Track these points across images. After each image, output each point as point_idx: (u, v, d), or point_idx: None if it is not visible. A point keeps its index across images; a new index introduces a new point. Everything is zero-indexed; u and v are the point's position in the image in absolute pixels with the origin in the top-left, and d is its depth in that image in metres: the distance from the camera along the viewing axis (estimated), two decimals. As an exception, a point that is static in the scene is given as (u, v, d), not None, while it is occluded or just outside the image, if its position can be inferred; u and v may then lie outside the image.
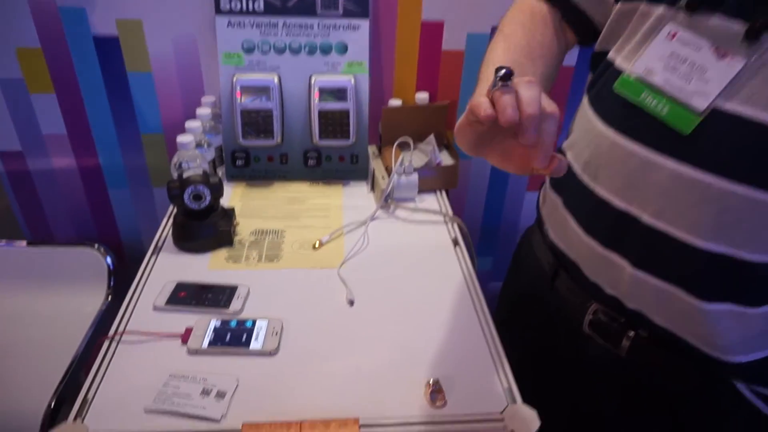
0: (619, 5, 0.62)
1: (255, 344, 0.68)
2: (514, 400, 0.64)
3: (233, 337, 0.69)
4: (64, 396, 0.79)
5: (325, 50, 1.00)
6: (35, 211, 1.21)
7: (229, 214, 0.89)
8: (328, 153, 1.05)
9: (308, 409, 0.61)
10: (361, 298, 0.77)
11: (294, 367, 0.66)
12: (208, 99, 1.07)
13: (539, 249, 0.78)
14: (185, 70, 1.10)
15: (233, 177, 1.06)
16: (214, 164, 1.01)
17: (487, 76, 0.65)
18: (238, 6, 0.97)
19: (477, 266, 0.95)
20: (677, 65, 0.52)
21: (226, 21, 0.98)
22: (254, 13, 0.98)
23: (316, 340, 0.70)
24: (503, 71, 0.45)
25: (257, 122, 1.00)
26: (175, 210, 0.89)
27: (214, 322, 0.71)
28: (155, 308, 0.74)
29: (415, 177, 1.00)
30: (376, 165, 1.06)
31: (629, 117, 0.56)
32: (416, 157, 1.05)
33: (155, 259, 0.84)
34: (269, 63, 0.99)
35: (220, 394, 0.62)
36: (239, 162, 1.04)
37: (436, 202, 1.03)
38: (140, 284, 0.78)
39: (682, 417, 0.64)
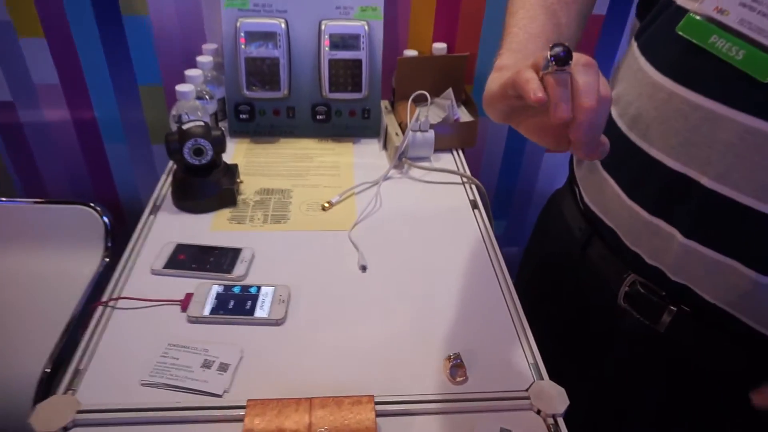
0: None
1: (260, 312, 0.63)
2: (540, 377, 0.59)
3: (237, 305, 0.64)
4: (60, 362, 0.75)
5: (336, -7, 0.92)
6: (28, 166, 1.15)
7: (233, 171, 0.83)
8: (338, 107, 0.98)
9: (318, 384, 0.56)
10: (374, 264, 0.72)
11: (302, 338, 0.61)
12: (209, 46, 0.99)
13: (570, 213, 0.71)
14: (185, 13, 1.01)
15: (237, 132, 0.99)
16: (216, 118, 0.94)
17: (514, 28, 0.59)
18: (241, -58, 0.89)
19: (494, 231, 0.89)
20: (755, 2, 0.44)
21: (228, -41, 0.90)
22: (258, -50, 0.89)
23: (326, 309, 0.65)
24: (560, 51, 0.39)
25: (263, 72, 0.92)
26: (175, 166, 0.83)
27: (216, 288, 0.66)
28: (153, 272, 0.69)
29: (431, 134, 0.93)
30: (389, 121, 0.99)
31: (692, 64, 0.49)
32: (433, 113, 0.98)
33: (153, 219, 0.78)
34: (276, 6, 0.91)
35: (223, 367, 0.57)
36: (243, 116, 0.97)
37: (452, 161, 0.96)
38: (137, 246, 0.73)
39: (723, 399, 0.59)
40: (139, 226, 0.77)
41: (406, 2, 1.04)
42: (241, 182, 0.84)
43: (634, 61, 0.57)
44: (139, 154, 1.16)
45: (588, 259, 0.67)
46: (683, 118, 0.50)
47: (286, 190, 0.86)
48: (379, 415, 0.52)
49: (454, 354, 0.59)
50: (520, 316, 0.65)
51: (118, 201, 1.20)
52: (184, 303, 0.64)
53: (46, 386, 0.73)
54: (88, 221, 1.00)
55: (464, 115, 1.02)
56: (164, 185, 0.85)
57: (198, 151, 0.76)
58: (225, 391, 0.55)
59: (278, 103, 0.96)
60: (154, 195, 0.83)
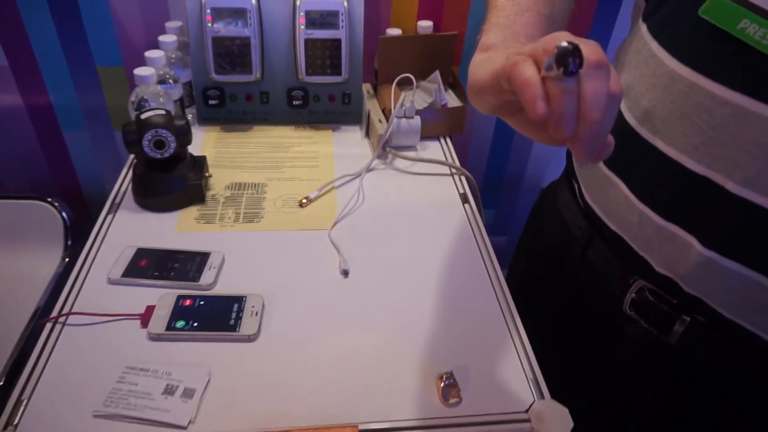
0: None
1: (230, 327, 0.57)
2: (541, 395, 0.54)
3: (204, 319, 0.57)
4: (11, 380, 0.68)
5: (312, -34, 0.84)
6: (-21, 157, 1.06)
7: (200, 164, 0.76)
8: (317, 92, 0.90)
9: (295, 411, 0.50)
10: (357, 267, 0.66)
11: (277, 356, 0.55)
12: (173, 24, 0.91)
13: (568, 210, 0.65)
14: (145, -12, 0.92)
15: (206, 119, 0.91)
16: (182, 104, 0.86)
17: (500, 2, 0.52)
18: None
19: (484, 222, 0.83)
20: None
21: (191, -74, 0.81)
22: None
23: (303, 322, 0.59)
24: (569, 54, 0.32)
25: (232, 53, 0.84)
26: (136, 159, 0.75)
27: (181, 299, 0.59)
28: (110, 281, 0.61)
29: (417, 121, 0.86)
30: (372, 106, 0.92)
31: (718, 53, 0.43)
32: (418, 97, 0.91)
33: (112, 219, 0.71)
34: (245, -20, 0.83)
35: (188, 393, 0.50)
36: (212, 101, 0.89)
37: (439, 150, 0.90)
38: (92, 251, 0.66)
39: (734, 403, 0.54)
40: (96, 227, 0.69)
41: (388, -24, 0.96)
42: (210, 176, 0.77)
43: (643, 45, 0.51)
44: (101, 143, 1.07)
45: (588, 261, 0.61)
46: (707, 114, 0.44)
47: (260, 185, 0.78)
48: (364, 448, 0.46)
49: (447, 373, 0.53)
50: (519, 327, 0.60)
51: (82, 195, 1.12)
52: (145, 317, 0.57)
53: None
54: (46, 218, 0.92)
55: (452, 100, 0.95)
56: (125, 180, 0.77)
57: (159, 143, 0.69)
58: (190, 422, 0.48)
59: (250, 87, 0.88)
60: (114, 191, 0.75)
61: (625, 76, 0.54)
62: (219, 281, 0.63)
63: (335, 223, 0.72)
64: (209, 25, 0.81)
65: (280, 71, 0.88)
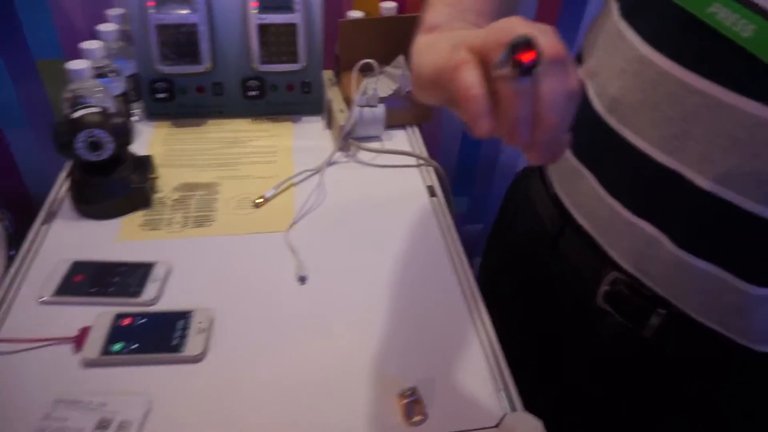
0: None
1: (174, 348, 0.52)
2: (513, 407, 0.50)
3: (145, 339, 0.52)
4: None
5: (262, -56, 0.77)
6: None
7: (145, 164, 0.70)
8: (274, 81, 0.84)
9: (244, 441, 0.45)
10: (315, 273, 0.61)
11: (227, 376, 0.50)
12: (115, 12, 0.84)
13: (539, 199, 0.61)
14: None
15: (154, 114, 0.84)
16: (125, 99, 0.79)
17: None
18: None
19: (456, 218, 0.79)
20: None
21: None
22: None
23: (255, 337, 0.54)
24: (524, 50, 0.27)
25: (178, 42, 0.77)
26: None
27: (120, 318, 0.54)
28: (41, 301, 0.56)
29: (381, 109, 0.80)
30: (333, 95, 0.86)
31: (690, 39, 0.38)
32: (382, 84, 0.85)
33: (47, 229, 0.65)
34: (188, -38, 0.76)
35: (124, 426, 0.46)
36: (160, 95, 0.82)
37: (406, 140, 0.85)
38: (23, 266, 0.60)
39: (713, 415, 0.51)
40: (28, 239, 0.63)
41: (348, -46, 0.90)
42: (156, 178, 0.71)
43: (612, 25, 0.46)
44: (47, 141, 1.00)
45: (561, 252, 0.58)
46: (678, 105, 0.39)
47: (212, 184, 0.73)
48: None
49: (409, 389, 0.49)
50: (488, 331, 0.56)
51: (29, 198, 1.05)
52: (79, 340, 0.52)
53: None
54: (-14, 224, 0.85)
55: (419, 86, 0.89)
56: (62, 186, 0.71)
57: (94, 145, 0.63)
58: (125, 460, 0.44)
59: (201, 78, 0.82)
60: (50, 198, 0.69)
61: (594, 59, 0.49)
62: (164, 295, 0.58)
63: (293, 224, 0.67)
64: (151, 11, 0.75)
65: (233, 60, 0.82)
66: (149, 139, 0.81)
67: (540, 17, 1.04)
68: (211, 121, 0.85)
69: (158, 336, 0.53)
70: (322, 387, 0.50)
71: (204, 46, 0.78)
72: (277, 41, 0.80)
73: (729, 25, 0.36)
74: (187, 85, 0.83)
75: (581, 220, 0.52)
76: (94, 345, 0.51)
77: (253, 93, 0.84)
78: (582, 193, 0.51)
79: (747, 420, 0.52)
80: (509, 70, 0.27)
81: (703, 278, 0.43)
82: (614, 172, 0.47)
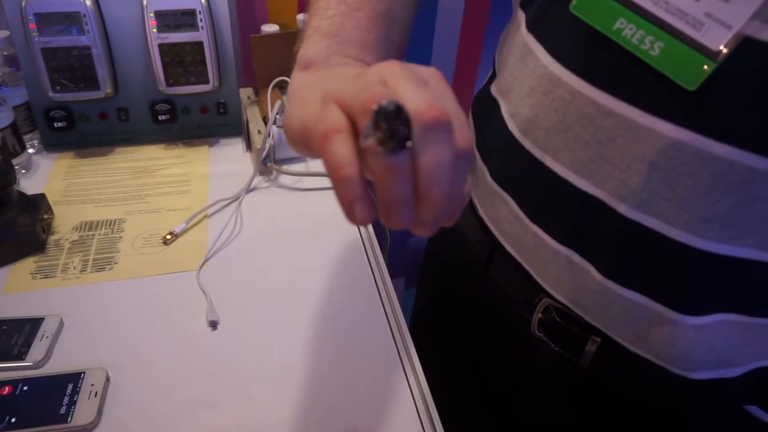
0: None
1: (61, 418, 0.45)
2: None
3: (26, 411, 0.46)
4: None
5: (159, -43, 0.71)
6: None
7: (35, 204, 0.63)
8: (184, 103, 0.79)
9: None
10: (229, 316, 0.56)
11: (122, 448, 0.45)
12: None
13: (467, 223, 0.58)
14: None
15: (54, 145, 0.77)
16: (15, 131, 0.72)
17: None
18: None
19: (388, 240, 0.75)
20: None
21: None
22: None
23: (157, 397, 0.48)
24: (392, 120, 0.22)
25: (71, 66, 0.71)
26: (-49, 206, 0.62)
27: (-3, 388, 0.47)
28: None
29: (302, 129, 0.76)
30: (252, 115, 0.81)
31: (599, 55, 0.36)
32: (303, 102, 0.81)
33: None
34: (76, -22, 0.69)
35: None
36: (58, 124, 0.75)
37: (333, 158, 0.80)
38: None
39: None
40: None
41: (260, -36, 0.85)
42: (49, 218, 0.64)
43: (520, 39, 0.43)
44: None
45: (491, 280, 0.54)
46: (591, 126, 0.37)
47: (117, 221, 0.66)
48: None
49: (329, 444, 0.45)
50: (417, 373, 0.52)
51: None
52: (-53, 419, 0.45)
53: None
54: None
55: (343, 101, 0.85)
56: (-60, 233, 0.63)
57: (-32, 189, 0.56)
58: None
59: (103, 104, 0.76)
60: (-76, 249, 0.61)
61: (506, 74, 0.46)
62: (53, 355, 0.51)
63: (204, 262, 0.62)
64: (35, 35, 0.68)
65: (137, 83, 0.76)
66: (49, 172, 0.74)
67: (467, 21, 1.01)
68: (119, 149, 0.79)
69: (43, 405, 0.46)
70: (231, 450, 0.45)
71: (101, 70, 0.72)
72: (183, 61, 0.74)
73: (636, 43, 0.33)
74: (88, 111, 0.76)
75: (508, 246, 0.49)
76: (-36, 424, 0.45)
77: (164, 117, 0.78)
78: (505, 219, 0.48)
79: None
80: (375, 144, 0.22)
81: (633, 309, 0.40)
82: (534, 198, 0.44)
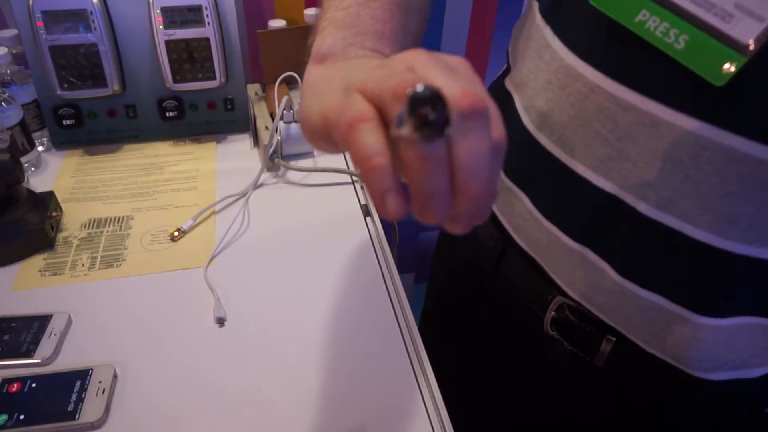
0: None
1: (69, 415, 0.45)
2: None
3: (34, 408, 0.46)
4: None
5: (165, -47, 0.71)
6: None
7: (44, 202, 0.63)
8: (192, 100, 0.78)
9: None
10: (236, 313, 0.55)
11: (129, 445, 0.45)
12: (6, 33, 0.76)
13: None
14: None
15: (63, 143, 0.77)
16: (24, 129, 0.72)
17: None
18: None
19: (397, 235, 0.75)
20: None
21: None
22: None
23: (165, 395, 0.48)
24: (428, 106, 0.21)
25: (78, 64, 0.71)
26: (-39, 204, 0.62)
27: (6, 384, 0.47)
28: None
29: (310, 124, 0.75)
30: (259, 111, 0.80)
31: (619, 49, 0.35)
32: (311, 97, 0.80)
33: (-69, 283, 0.58)
34: (83, -24, 0.69)
35: None
36: (67, 121, 0.75)
37: (340, 155, 0.79)
38: None
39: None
40: None
41: (267, -41, 0.85)
42: (58, 216, 0.64)
43: (536, 30, 0.42)
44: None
45: (503, 277, 0.53)
46: (611, 122, 0.35)
47: (125, 218, 0.66)
48: None
49: (336, 443, 0.44)
50: (425, 370, 0.51)
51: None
52: (-43, 416, 0.45)
53: None
54: None
55: (351, 96, 0.85)
56: (-49, 231, 0.64)
57: (-23, 187, 0.56)
58: None
59: (111, 101, 0.76)
60: (-65, 247, 0.62)
61: (520, 68, 0.45)
62: (61, 352, 0.51)
63: (212, 258, 0.61)
64: (42, 33, 0.68)
65: (144, 80, 0.76)
66: (58, 170, 0.74)
67: (476, 15, 1.00)
68: (127, 146, 0.79)
69: (51, 402, 0.46)
70: (238, 447, 0.45)
71: (108, 67, 0.71)
72: (190, 57, 0.74)
73: (660, 36, 0.32)
74: (97, 109, 0.76)
75: (521, 243, 0.48)
76: (-27, 421, 0.45)
77: (172, 114, 0.78)
78: (519, 215, 0.47)
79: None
80: (411, 132, 0.21)
81: (651, 309, 0.39)
82: (549, 195, 0.43)
